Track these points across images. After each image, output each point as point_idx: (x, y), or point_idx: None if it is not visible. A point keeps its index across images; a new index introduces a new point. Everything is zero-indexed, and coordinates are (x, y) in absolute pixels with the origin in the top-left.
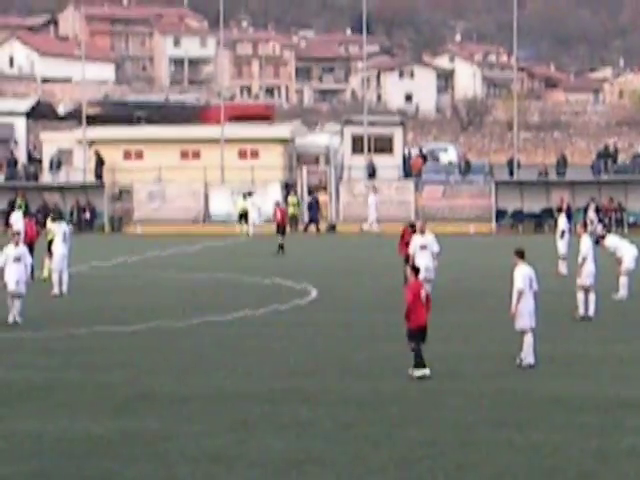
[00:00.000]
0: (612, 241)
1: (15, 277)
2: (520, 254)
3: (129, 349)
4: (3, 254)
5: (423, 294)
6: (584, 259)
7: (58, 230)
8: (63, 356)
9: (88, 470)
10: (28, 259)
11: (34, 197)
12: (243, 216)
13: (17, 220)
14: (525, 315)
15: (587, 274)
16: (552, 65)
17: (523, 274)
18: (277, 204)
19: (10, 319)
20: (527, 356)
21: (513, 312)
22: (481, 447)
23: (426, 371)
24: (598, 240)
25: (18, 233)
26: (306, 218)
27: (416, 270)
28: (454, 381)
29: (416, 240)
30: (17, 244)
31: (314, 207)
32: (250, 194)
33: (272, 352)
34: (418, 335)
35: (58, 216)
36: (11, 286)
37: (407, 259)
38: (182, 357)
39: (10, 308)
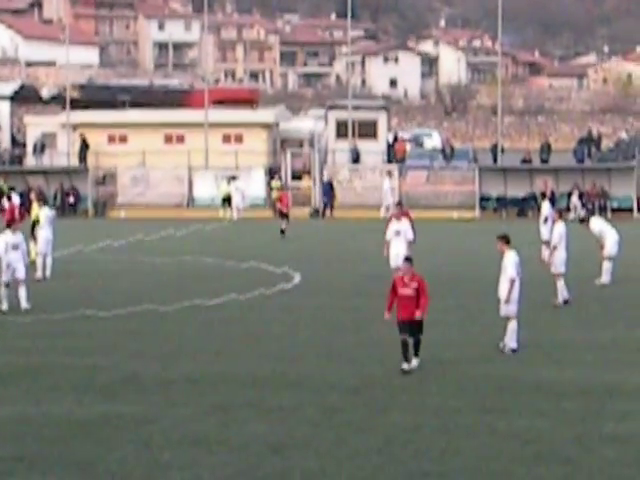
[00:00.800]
0: (597, 224)
1: (13, 265)
2: (506, 239)
3: (113, 333)
4: (2, 242)
5: (405, 289)
6: (555, 247)
7: (42, 214)
8: (47, 340)
9: (72, 454)
10: (24, 246)
11: (18, 181)
12: (226, 200)
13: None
14: (514, 302)
15: (559, 261)
16: (536, 51)
17: (513, 261)
18: (281, 188)
19: (4, 307)
20: (510, 341)
21: (506, 299)
22: (465, 433)
23: (405, 365)
24: (583, 219)
25: (14, 220)
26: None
27: (407, 259)
28: (437, 367)
29: (391, 226)
30: (14, 231)
31: (328, 191)
32: (234, 178)
33: (256, 337)
34: (402, 327)
35: (43, 200)
36: (6, 275)
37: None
38: (166, 341)
39: (3, 297)
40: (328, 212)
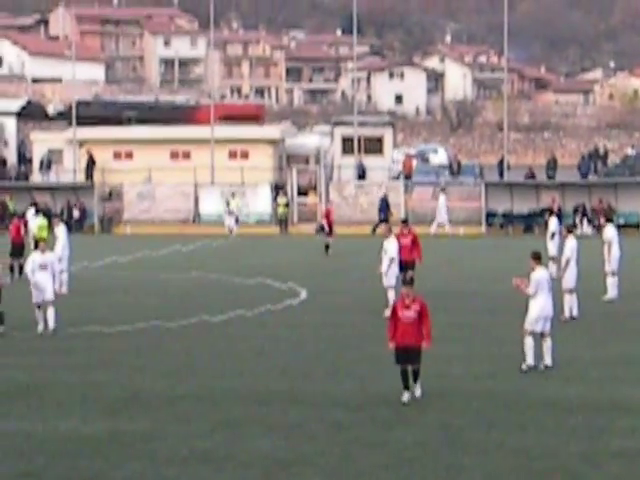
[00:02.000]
0: (611, 232)
1: (41, 286)
2: (538, 257)
3: (119, 349)
4: (30, 262)
5: (407, 312)
6: (567, 261)
7: (61, 231)
8: (53, 356)
9: (78, 470)
10: (56, 266)
11: (24, 197)
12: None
13: (39, 225)
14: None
15: (571, 276)
16: (542, 66)
17: (546, 278)
18: (329, 203)
19: (40, 329)
20: (547, 358)
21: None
22: (471, 449)
23: (405, 397)
24: (570, 229)
25: (43, 239)
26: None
27: (406, 281)
28: (444, 382)
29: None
30: (43, 251)
31: (384, 207)
32: (233, 195)
33: (262, 353)
34: (400, 356)
35: (61, 218)
36: (37, 296)
37: (405, 262)
38: (172, 358)
39: (38, 319)
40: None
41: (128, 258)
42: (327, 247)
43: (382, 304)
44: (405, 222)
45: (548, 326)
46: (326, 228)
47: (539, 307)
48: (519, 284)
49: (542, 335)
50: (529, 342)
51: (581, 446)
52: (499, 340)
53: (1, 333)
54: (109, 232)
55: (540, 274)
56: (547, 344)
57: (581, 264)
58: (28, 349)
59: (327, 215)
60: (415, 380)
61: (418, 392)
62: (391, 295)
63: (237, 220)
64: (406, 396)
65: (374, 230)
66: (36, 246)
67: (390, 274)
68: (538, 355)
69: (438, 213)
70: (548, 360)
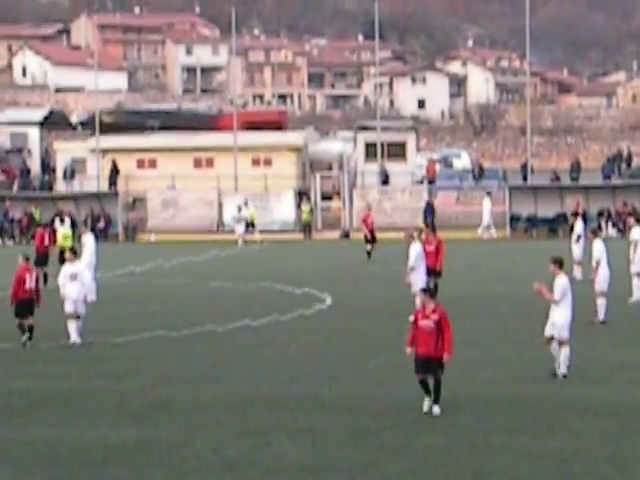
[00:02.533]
0: (638, 233)
1: (72, 297)
2: (560, 263)
3: (145, 357)
4: (62, 274)
5: (425, 321)
6: (598, 263)
7: (90, 240)
8: (79, 365)
9: (104, 478)
10: (86, 277)
11: (48, 206)
12: (250, 224)
13: (64, 235)
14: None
15: (602, 279)
16: (565, 70)
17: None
18: (368, 208)
19: (72, 340)
20: (563, 367)
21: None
22: (497, 454)
23: (427, 404)
24: (595, 233)
25: (73, 250)
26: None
27: (425, 291)
28: (469, 387)
29: (418, 249)
30: (71, 261)
31: (430, 212)
32: (240, 209)
33: (287, 359)
34: (420, 365)
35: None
36: (69, 307)
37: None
38: (197, 365)
39: (70, 329)
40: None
41: (152, 266)
42: (369, 253)
43: (406, 309)
44: (427, 227)
45: (565, 334)
46: (367, 235)
47: (560, 314)
48: (540, 289)
49: (560, 343)
50: (554, 346)
51: (608, 449)
52: (524, 344)
53: (24, 344)
54: (133, 240)
55: (565, 280)
56: (565, 353)
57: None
58: (54, 358)
59: (365, 221)
60: (436, 400)
61: (436, 410)
62: (418, 301)
63: (248, 226)
64: (427, 403)
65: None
66: (61, 255)
67: (414, 281)
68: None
69: (484, 217)
70: (564, 369)
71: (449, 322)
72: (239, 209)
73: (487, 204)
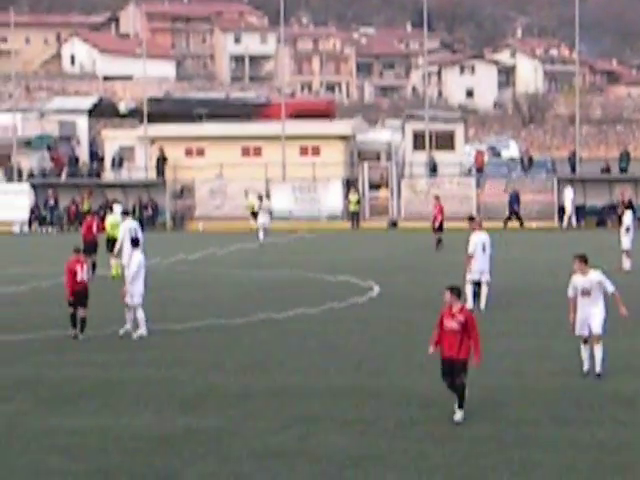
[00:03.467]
0: None
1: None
2: (585, 260)
3: (192, 346)
4: (136, 261)
5: (451, 321)
6: None
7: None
8: (127, 353)
9: (152, 467)
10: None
11: (96, 195)
12: (254, 214)
13: (112, 223)
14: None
15: None
16: (614, 59)
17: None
18: (437, 198)
19: (124, 330)
20: (598, 366)
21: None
22: (544, 444)
23: (457, 415)
24: None
25: (91, 235)
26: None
27: (452, 289)
28: (516, 378)
29: (474, 239)
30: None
31: (514, 201)
32: (260, 198)
33: (335, 348)
34: (444, 369)
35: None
36: (128, 299)
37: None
38: (245, 354)
39: (128, 320)
40: (515, 222)
41: (200, 254)
42: (439, 241)
43: None
44: (472, 219)
45: (600, 330)
46: (436, 224)
47: (596, 311)
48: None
49: (595, 340)
50: (585, 347)
51: None
52: (571, 336)
53: (80, 339)
54: (181, 229)
55: (599, 276)
56: (600, 350)
57: None
58: (102, 346)
59: (435, 210)
60: (460, 405)
61: (458, 416)
62: (468, 289)
63: (271, 216)
64: (459, 414)
65: (505, 225)
66: (109, 243)
67: (472, 269)
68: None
69: (566, 207)
70: (599, 368)
71: (476, 324)
72: (260, 198)
73: (569, 194)
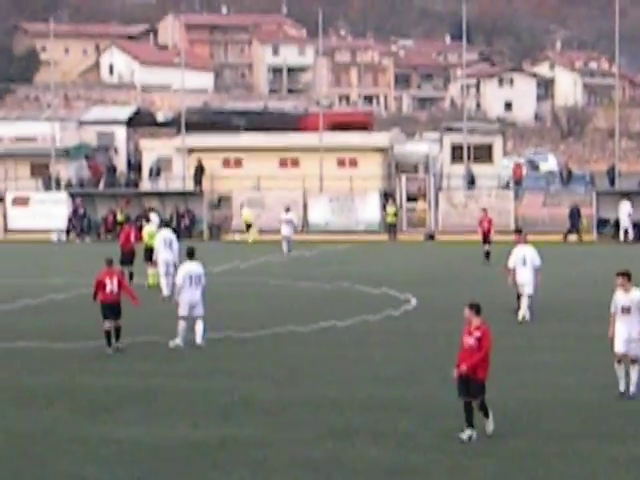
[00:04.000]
0: None
1: (195, 299)
2: (629, 276)
3: (228, 356)
4: (180, 272)
5: (468, 338)
6: None
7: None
8: (163, 363)
9: (188, 476)
10: (204, 279)
11: (134, 204)
12: (249, 227)
13: (149, 233)
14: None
15: None
16: None
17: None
18: (484, 211)
19: (176, 343)
20: (633, 386)
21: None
22: (582, 459)
23: (467, 433)
24: None
25: (129, 244)
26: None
27: (471, 306)
28: (554, 392)
29: (516, 252)
30: (195, 260)
31: (575, 215)
32: (288, 210)
33: (371, 361)
34: (460, 387)
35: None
36: (186, 309)
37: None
38: (281, 365)
39: (180, 332)
40: (574, 237)
41: (237, 265)
42: (487, 254)
43: (490, 312)
44: (519, 232)
45: (639, 351)
46: (483, 236)
47: (634, 329)
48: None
49: (632, 361)
50: (621, 366)
51: None
52: (610, 349)
53: (119, 348)
54: (218, 239)
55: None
56: (637, 371)
57: None
58: (140, 355)
59: (481, 223)
60: (486, 414)
61: (490, 428)
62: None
63: (294, 228)
64: (467, 433)
65: (565, 239)
66: (146, 253)
67: (519, 281)
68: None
69: (621, 221)
70: (633, 388)
71: (488, 342)
72: (287, 210)
73: (625, 207)
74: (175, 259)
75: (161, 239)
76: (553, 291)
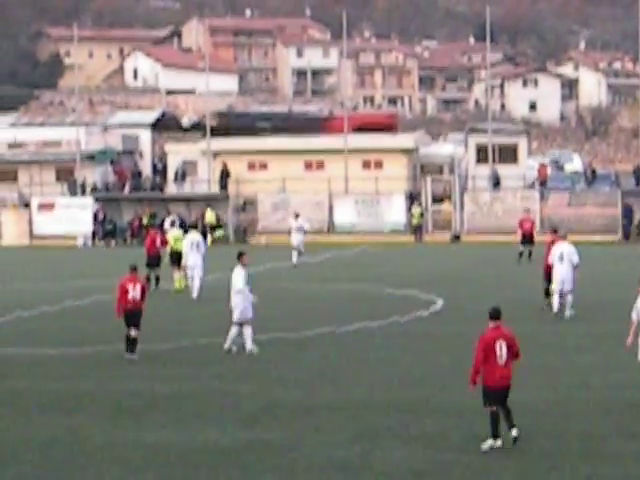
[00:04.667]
0: None
1: (247, 302)
2: None
3: (256, 360)
4: (239, 277)
5: (500, 348)
6: None
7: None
8: (190, 367)
9: None
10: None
11: (159, 208)
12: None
13: (175, 237)
14: None
15: None
16: None
17: None
18: (527, 211)
19: (228, 346)
20: None
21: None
22: (611, 459)
23: (488, 443)
24: None
25: (155, 249)
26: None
27: (491, 312)
28: (583, 392)
29: (555, 250)
30: (244, 266)
31: (629, 214)
32: (297, 216)
33: (398, 363)
34: (494, 396)
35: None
36: (242, 312)
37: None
38: (308, 368)
39: (233, 336)
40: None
41: (263, 268)
42: (528, 254)
43: (518, 313)
44: (555, 231)
45: None
46: (523, 237)
47: None
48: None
49: None
50: None
51: None
52: (638, 350)
53: (132, 360)
54: (244, 242)
55: None
56: None
57: None
58: (166, 360)
59: (522, 225)
60: (513, 422)
61: (514, 432)
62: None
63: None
64: (489, 443)
65: (626, 236)
66: (172, 258)
67: (555, 279)
68: None
69: None
70: None
71: (479, 350)
72: (296, 217)
73: None
74: (201, 262)
75: (189, 242)
76: (580, 292)
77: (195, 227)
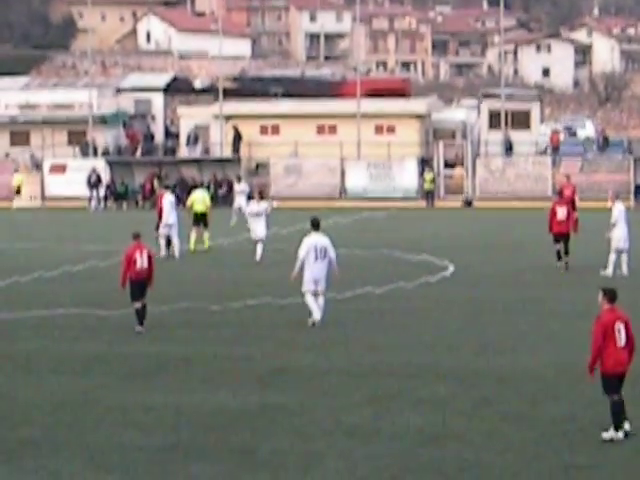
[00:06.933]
0: None
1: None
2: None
3: (268, 323)
4: (305, 245)
5: (619, 331)
6: None
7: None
8: (202, 330)
9: (226, 443)
10: (332, 252)
11: (171, 172)
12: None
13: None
14: None
15: None
16: None
17: None
18: (567, 177)
19: (314, 319)
20: None
21: None
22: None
23: (616, 435)
24: None
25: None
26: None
27: (609, 294)
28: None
29: (615, 210)
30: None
31: None
32: (239, 179)
33: (409, 327)
34: (615, 382)
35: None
36: (315, 283)
37: (557, 235)
38: (319, 331)
39: (311, 306)
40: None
41: (275, 232)
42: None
43: (527, 278)
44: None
45: None
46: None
47: None
48: None
49: None
50: None
51: None
52: None
53: (140, 332)
54: None
55: None
56: None
57: None
58: (178, 322)
59: (562, 190)
60: (625, 416)
61: (627, 426)
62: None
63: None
64: (611, 433)
65: None
66: (196, 218)
67: (615, 237)
68: None
69: None
70: None
71: (597, 334)
72: (239, 179)
73: None
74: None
75: (167, 202)
76: (590, 258)
77: (195, 187)
